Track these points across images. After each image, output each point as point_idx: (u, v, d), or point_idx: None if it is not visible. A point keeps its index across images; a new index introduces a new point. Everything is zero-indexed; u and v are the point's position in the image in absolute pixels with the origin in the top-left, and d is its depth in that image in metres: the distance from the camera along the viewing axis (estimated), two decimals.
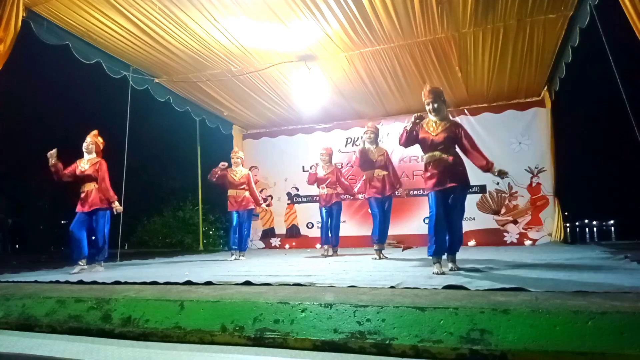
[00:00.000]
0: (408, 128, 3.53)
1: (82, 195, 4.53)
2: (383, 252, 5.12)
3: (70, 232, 4.44)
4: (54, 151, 4.47)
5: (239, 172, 6.01)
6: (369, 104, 7.94)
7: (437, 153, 3.47)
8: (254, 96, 7.60)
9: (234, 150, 6.30)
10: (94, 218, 4.51)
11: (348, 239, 7.82)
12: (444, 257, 3.48)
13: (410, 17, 5.15)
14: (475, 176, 7.49)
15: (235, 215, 5.90)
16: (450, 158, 3.44)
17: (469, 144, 3.49)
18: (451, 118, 3.57)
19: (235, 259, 5.72)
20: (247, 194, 5.96)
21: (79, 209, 4.50)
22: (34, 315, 2.69)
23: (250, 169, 9.36)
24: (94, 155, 4.67)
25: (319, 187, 6.11)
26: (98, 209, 4.49)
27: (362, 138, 5.51)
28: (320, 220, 6.26)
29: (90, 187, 4.53)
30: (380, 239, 5.11)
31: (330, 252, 5.98)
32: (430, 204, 3.48)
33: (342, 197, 6.36)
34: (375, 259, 4.95)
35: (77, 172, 4.56)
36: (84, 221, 4.48)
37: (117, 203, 4.57)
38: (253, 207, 6.04)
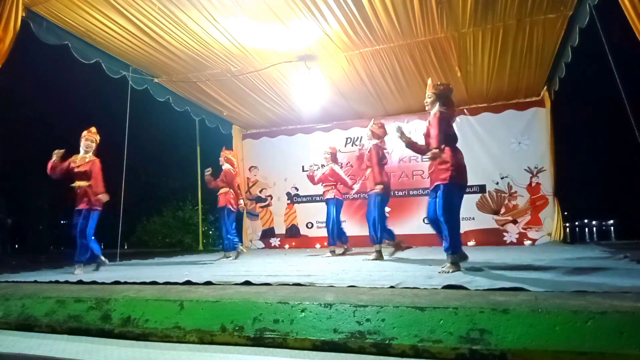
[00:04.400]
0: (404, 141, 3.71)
1: (78, 192, 4.50)
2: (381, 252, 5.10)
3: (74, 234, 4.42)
4: (61, 151, 4.49)
5: (222, 173, 6.17)
6: (368, 104, 7.94)
7: (429, 153, 3.50)
8: (253, 96, 7.60)
9: (222, 150, 6.36)
10: (83, 217, 4.44)
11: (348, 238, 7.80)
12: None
13: (409, 17, 5.15)
14: (475, 176, 7.63)
15: (218, 212, 6.11)
16: (436, 157, 3.40)
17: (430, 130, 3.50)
18: (438, 111, 3.50)
19: (231, 259, 5.77)
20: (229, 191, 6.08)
21: (77, 206, 4.48)
22: (33, 315, 2.69)
23: (249, 169, 9.45)
24: (90, 153, 4.64)
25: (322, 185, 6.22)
26: (89, 210, 4.46)
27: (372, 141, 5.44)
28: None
29: (82, 184, 4.49)
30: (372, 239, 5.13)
31: (327, 253, 5.93)
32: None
33: (347, 195, 6.37)
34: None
35: (70, 167, 4.51)
36: (79, 220, 4.46)
37: (104, 195, 4.53)
38: (225, 204, 6.00)
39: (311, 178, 6.35)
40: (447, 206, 3.35)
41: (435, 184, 3.44)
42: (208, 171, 6.22)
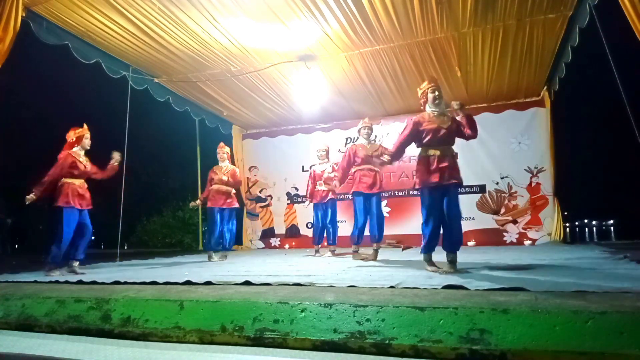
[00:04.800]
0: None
1: (80, 191, 4.38)
2: (361, 252, 5.07)
3: (71, 234, 4.32)
4: (31, 196, 4.23)
5: (223, 168, 5.87)
6: (368, 104, 7.95)
7: (445, 147, 3.42)
8: (253, 96, 7.60)
9: (220, 146, 6.05)
10: (84, 215, 4.42)
11: (348, 238, 7.83)
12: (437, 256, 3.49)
13: (409, 17, 5.15)
14: (475, 176, 7.65)
15: (216, 212, 5.75)
16: (455, 153, 3.48)
17: (469, 124, 3.45)
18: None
19: (215, 259, 5.59)
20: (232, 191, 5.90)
21: (77, 204, 4.32)
22: (33, 315, 2.69)
23: (250, 169, 9.44)
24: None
25: (316, 185, 6.15)
26: (88, 209, 4.46)
27: (358, 134, 5.34)
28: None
29: (84, 184, 4.47)
30: (358, 240, 5.10)
31: (328, 253, 5.93)
32: (426, 201, 3.40)
33: (347, 195, 6.35)
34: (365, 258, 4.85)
35: (82, 168, 4.41)
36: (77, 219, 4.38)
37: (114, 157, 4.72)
38: (237, 205, 5.94)
39: (312, 178, 6.23)
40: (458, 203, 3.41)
41: (453, 181, 3.33)
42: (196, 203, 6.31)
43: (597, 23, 4.50)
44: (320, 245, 6.14)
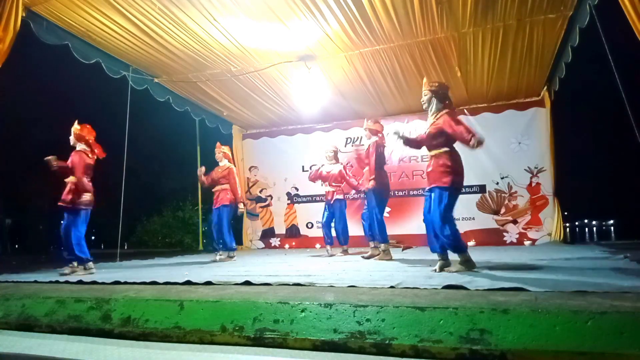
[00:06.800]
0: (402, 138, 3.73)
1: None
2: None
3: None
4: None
5: (220, 168, 5.89)
6: (368, 104, 7.94)
7: (430, 152, 3.57)
8: (253, 96, 7.60)
9: (217, 146, 6.04)
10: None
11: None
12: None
13: (410, 17, 5.15)
14: (475, 176, 7.63)
15: (214, 212, 5.77)
16: (434, 156, 3.50)
17: (456, 128, 3.33)
18: (441, 111, 3.52)
19: (219, 260, 5.53)
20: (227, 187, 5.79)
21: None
22: (33, 315, 2.69)
23: (249, 169, 9.45)
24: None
25: (323, 184, 6.19)
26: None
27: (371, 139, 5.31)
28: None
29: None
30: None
31: (339, 252, 6.00)
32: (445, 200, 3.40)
33: (347, 195, 6.39)
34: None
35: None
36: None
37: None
38: (227, 202, 5.72)
39: (317, 176, 6.22)
40: (448, 208, 3.37)
41: (434, 186, 3.43)
42: (202, 169, 5.95)
43: (597, 23, 4.50)
44: (330, 246, 6.07)
